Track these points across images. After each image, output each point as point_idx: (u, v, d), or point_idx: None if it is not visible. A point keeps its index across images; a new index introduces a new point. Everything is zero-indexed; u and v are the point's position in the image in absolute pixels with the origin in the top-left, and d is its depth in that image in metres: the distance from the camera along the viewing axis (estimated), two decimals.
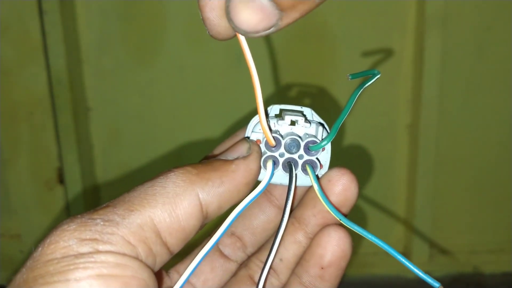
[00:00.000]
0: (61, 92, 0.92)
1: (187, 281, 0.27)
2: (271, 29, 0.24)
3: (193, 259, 0.28)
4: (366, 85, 0.32)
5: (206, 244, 0.28)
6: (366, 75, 0.32)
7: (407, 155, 0.99)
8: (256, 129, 0.31)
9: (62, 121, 0.93)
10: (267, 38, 0.91)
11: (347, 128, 0.97)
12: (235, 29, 0.24)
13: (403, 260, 0.29)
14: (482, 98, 0.95)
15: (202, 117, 0.97)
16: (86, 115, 0.97)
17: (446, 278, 1.00)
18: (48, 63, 0.90)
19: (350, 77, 0.32)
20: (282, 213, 0.30)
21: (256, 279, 0.32)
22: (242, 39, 0.26)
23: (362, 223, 0.98)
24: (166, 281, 0.32)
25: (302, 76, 0.96)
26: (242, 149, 0.30)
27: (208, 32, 0.26)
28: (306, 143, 0.31)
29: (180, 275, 0.27)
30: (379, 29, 0.93)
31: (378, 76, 0.32)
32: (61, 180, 0.96)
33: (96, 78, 0.95)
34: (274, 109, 0.32)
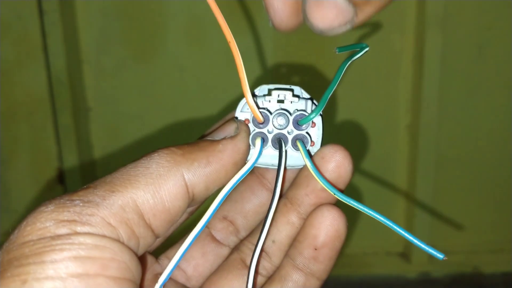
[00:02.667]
0: (61, 92, 0.92)
1: (177, 266, 0.26)
2: (347, 25, 0.24)
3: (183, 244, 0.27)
4: (355, 57, 0.31)
5: (195, 228, 0.27)
6: (354, 49, 0.31)
7: (406, 155, 0.99)
8: (244, 109, 0.31)
9: (62, 121, 0.93)
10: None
11: (346, 128, 0.97)
12: (312, 28, 0.24)
13: (404, 232, 0.29)
14: (482, 98, 0.95)
15: (202, 117, 0.97)
16: (86, 115, 0.97)
17: (446, 278, 1.00)
18: (48, 63, 0.90)
19: (337, 51, 0.31)
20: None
21: (248, 262, 0.31)
22: (214, 6, 0.26)
23: (361, 222, 0.98)
24: (156, 267, 0.31)
25: (295, 63, 0.95)
26: (230, 129, 0.29)
27: (271, 21, 0.26)
28: (295, 118, 0.31)
29: (170, 261, 0.27)
30: (379, 29, 0.93)
31: (366, 49, 0.31)
32: (61, 180, 0.96)
33: (96, 78, 0.95)
34: (263, 89, 0.32)
